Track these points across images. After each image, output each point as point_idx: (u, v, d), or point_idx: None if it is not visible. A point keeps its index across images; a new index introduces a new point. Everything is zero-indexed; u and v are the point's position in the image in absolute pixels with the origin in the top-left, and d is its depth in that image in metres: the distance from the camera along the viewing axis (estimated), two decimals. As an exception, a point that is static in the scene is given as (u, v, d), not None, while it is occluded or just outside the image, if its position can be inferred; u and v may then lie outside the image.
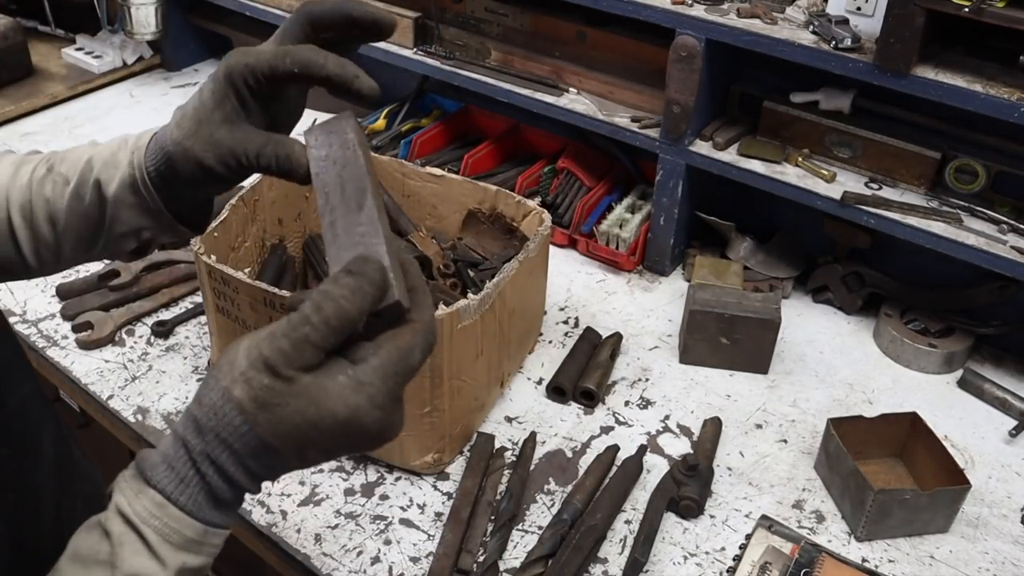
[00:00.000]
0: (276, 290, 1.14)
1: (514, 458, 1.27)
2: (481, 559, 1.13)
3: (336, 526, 1.18)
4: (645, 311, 1.59)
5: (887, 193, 1.45)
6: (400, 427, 0.64)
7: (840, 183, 1.47)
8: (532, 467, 1.26)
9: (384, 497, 1.22)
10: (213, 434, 0.60)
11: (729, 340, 1.43)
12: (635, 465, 1.25)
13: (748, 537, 1.17)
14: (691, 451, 1.29)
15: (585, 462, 1.27)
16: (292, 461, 0.62)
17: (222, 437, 0.60)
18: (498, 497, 1.21)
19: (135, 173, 0.79)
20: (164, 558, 0.62)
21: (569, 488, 1.23)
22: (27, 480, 0.76)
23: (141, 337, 1.48)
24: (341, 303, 0.59)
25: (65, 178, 0.82)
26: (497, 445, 1.29)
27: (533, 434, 1.30)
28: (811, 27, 1.38)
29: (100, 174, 0.80)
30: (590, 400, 1.37)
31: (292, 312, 0.60)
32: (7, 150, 0.87)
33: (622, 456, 1.27)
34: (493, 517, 1.19)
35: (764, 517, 1.20)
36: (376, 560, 1.14)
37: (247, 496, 0.65)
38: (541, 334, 1.52)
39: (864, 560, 1.16)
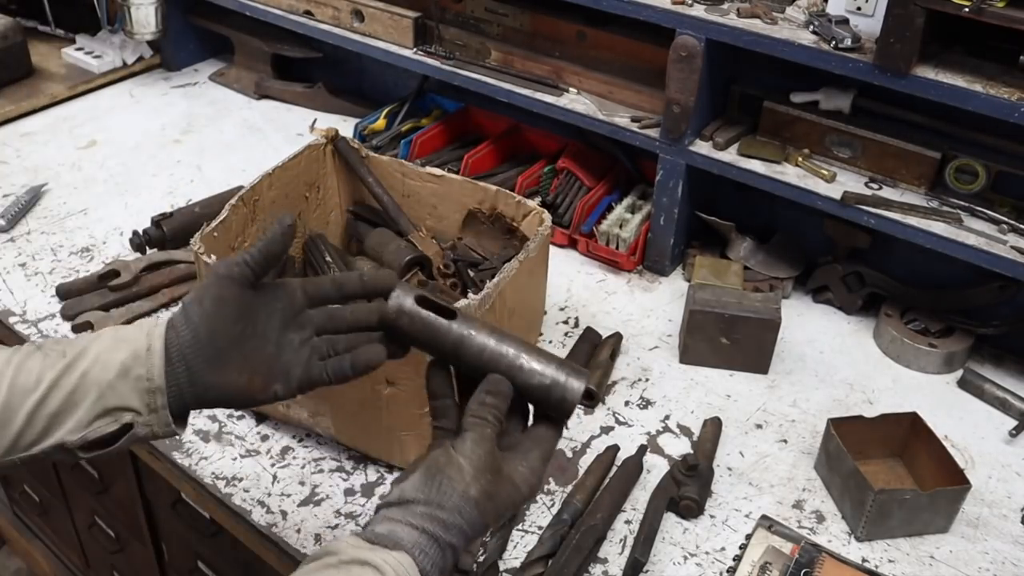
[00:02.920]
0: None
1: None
2: (481, 559, 1.13)
3: (336, 526, 1.18)
4: (645, 311, 1.59)
5: (887, 193, 1.45)
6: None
7: (840, 183, 1.47)
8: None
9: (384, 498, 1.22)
10: (457, 528, 0.76)
11: (729, 340, 1.43)
12: (635, 465, 1.25)
13: (748, 537, 1.17)
14: (691, 451, 1.29)
15: (585, 462, 1.27)
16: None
17: (463, 529, 0.77)
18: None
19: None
20: None
21: (569, 488, 1.23)
22: None
23: (141, 337, 1.47)
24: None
25: (62, 353, 0.80)
26: (497, 445, 1.29)
27: None
28: (811, 27, 1.38)
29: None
30: (590, 400, 1.37)
31: (470, 418, 0.81)
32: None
33: (622, 456, 1.27)
34: None
35: (764, 517, 1.20)
36: (376, 560, 1.14)
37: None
38: (541, 334, 1.52)
39: (864, 560, 1.16)
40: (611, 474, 1.24)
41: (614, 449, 1.27)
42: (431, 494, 0.77)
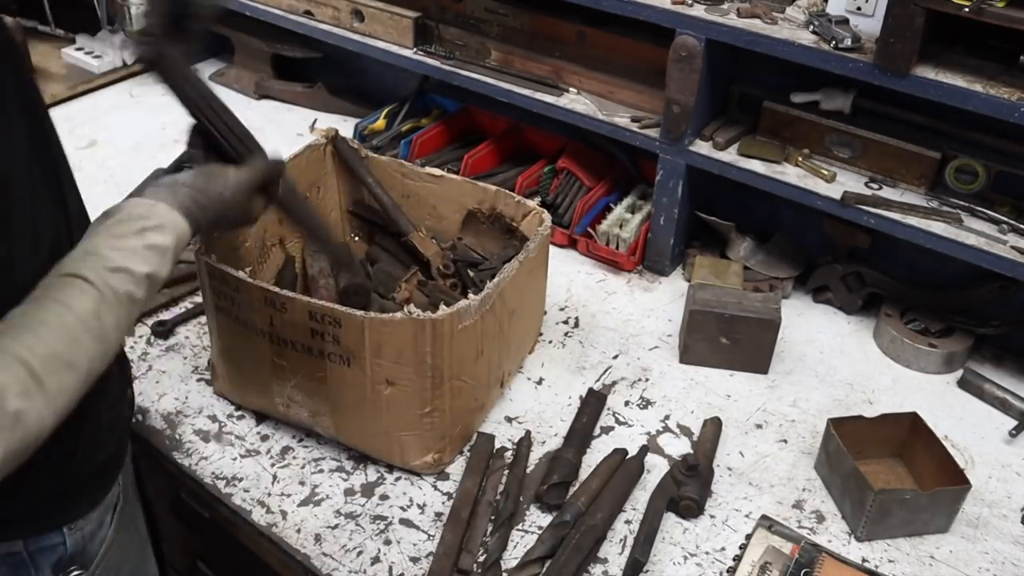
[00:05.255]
0: (277, 289, 1.14)
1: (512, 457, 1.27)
2: (482, 559, 1.13)
3: (336, 526, 1.18)
4: (645, 311, 1.59)
5: (887, 193, 1.45)
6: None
7: (840, 183, 1.47)
8: (531, 467, 1.26)
9: (384, 497, 1.22)
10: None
11: (729, 340, 1.43)
12: (637, 465, 1.24)
13: (748, 537, 1.17)
14: (691, 451, 1.29)
15: (585, 462, 1.27)
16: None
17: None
18: (498, 497, 1.21)
19: None
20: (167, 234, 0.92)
21: (574, 488, 1.23)
22: None
23: (141, 337, 1.48)
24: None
25: None
26: (497, 445, 1.29)
27: (528, 433, 1.30)
28: (811, 27, 1.38)
29: None
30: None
31: None
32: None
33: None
34: (493, 517, 1.19)
35: (764, 517, 1.20)
36: (376, 560, 1.14)
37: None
38: (541, 334, 1.52)
39: (864, 560, 1.16)
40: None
41: (622, 453, 1.26)
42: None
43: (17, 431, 0.71)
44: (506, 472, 1.25)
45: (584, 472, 1.24)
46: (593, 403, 1.34)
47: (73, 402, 0.78)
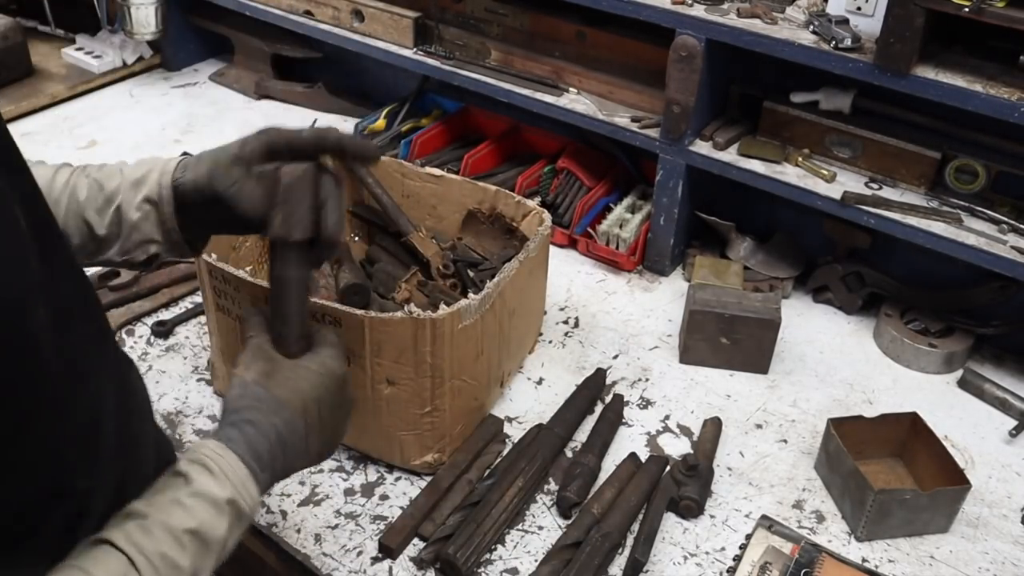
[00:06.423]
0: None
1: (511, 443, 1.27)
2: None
3: (336, 526, 1.18)
4: (645, 311, 1.59)
5: (887, 193, 1.45)
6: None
7: (840, 183, 1.47)
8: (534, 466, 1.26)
9: (384, 497, 1.22)
10: (244, 404, 0.82)
11: (729, 340, 1.43)
12: (653, 477, 1.23)
13: (748, 537, 1.17)
14: (691, 451, 1.29)
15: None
16: (299, 414, 0.85)
17: (250, 405, 0.82)
18: (480, 480, 1.21)
19: (161, 192, 0.92)
20: (224, 483, 0.76)
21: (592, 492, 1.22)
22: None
23: (141, 337, 1.48)
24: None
25: (99, 184, 0.93)
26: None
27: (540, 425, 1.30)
28: (811, 27, 1.38)
29: (127, 191, 0.92)
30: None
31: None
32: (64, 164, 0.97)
33: (623, 453, 1.27)
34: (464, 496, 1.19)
35: (764, 517, 1.20)
36: (376, 560, 1.14)
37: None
38: (541, 334, 1.52)
39: (864, 560, 1.16)
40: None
41: (636, 459, 1.26)
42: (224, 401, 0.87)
43: None
44: (499, 458, 1.25)
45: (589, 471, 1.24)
46: (610, 417, 1.34)
47: None
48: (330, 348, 0.91)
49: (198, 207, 0.92)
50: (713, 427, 1.32)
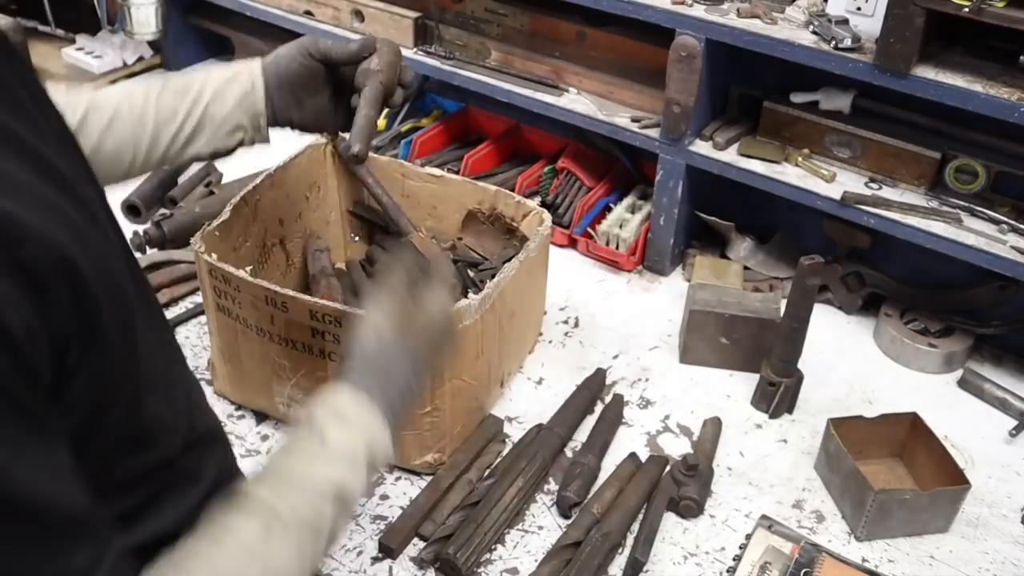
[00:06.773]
0: (277, 288, 1.14)
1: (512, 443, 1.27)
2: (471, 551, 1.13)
3: (336, 526, 1.18)
4: (645, 311, 1.59)
5: (887, 193, 1.45)
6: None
7: (840, 183, 1.47)
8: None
9: (384, 497, 1.22)
10: (379, 354, 0.84)
11: (729, 340, 1.43)
12: (657, 469, 1.24)
13: (748, 537, 1.17)
14: (691, 451, 1.29)
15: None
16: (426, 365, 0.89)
17: (387, 356, 0.84)
18: (479, 480, 1.21)
19: (255, 82, 1.05)
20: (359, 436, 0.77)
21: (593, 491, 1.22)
22: None
23: (141, 337, 1.47)
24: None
25: (184, 88, 1.04)
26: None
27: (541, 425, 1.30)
28: (811, 27, 1.38)
29: (221, 86, 1.04)
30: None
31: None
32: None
33: (623, 453, 1.27)
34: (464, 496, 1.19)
35: (764, 517, 1.20)
36: (376, 560, 1.14)
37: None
38: (541, 334, 1.52)
39: (864, 560, 1.16)
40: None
41: (635, 459, 1.26)
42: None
43: None
44: (499, 458, 1.26)
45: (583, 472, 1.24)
46: (610, 417, 1.34)
47: None
48: (445, 285, 0.95)
49: (290, 85, 1.07)
50: (713, 427, 1.32)
